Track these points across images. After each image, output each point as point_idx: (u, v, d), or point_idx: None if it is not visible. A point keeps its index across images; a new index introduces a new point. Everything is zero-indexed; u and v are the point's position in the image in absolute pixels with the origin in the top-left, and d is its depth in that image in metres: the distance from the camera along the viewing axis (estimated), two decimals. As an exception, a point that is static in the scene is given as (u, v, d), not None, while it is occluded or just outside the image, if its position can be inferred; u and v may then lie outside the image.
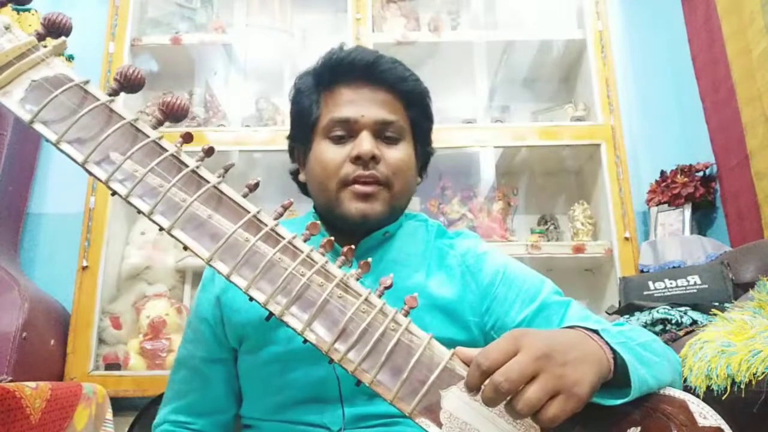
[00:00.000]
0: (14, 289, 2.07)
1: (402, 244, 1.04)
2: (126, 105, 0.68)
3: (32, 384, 1.56)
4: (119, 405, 2.13)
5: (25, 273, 2.39)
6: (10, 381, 1.79)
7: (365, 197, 0.96)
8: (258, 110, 2.73)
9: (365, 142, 0.96)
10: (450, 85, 2.75)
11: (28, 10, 2.36)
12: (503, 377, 0.57)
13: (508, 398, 0.59)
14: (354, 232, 1.00)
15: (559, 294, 0.99)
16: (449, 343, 0.66)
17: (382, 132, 1.00)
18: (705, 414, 0.65)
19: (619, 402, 0.66)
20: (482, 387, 0.59)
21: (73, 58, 2.35)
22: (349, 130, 0.99)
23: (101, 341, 2.35)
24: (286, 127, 2.55)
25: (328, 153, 0.99)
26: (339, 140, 0.99)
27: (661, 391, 0.70)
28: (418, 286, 0.97)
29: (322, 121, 1.01)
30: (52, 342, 2.18)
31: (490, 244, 1.09)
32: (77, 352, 2.25)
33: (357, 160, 0.96)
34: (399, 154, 1.01)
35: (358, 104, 0.99)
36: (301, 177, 1.09)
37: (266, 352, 0.94)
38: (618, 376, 0.67)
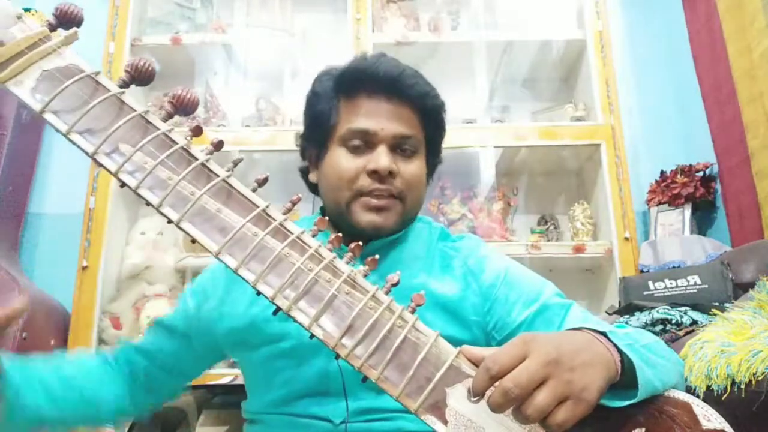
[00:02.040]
0: (14, 289, 2.07)
1: (407, 245, 1.06)
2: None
3: (33, 383, 1.56)
4: (119, 405, 2.13)
5: (25, 273, 2.39)
6: (11, 381, 1.79)
7: (378, 210, 0.98)
8: (258, 110, 2.73)
9: (383, 158, 0.98)
10: (450, 85, 2.72)
11: (29, 10, 2.36)
12: (513, 383, 0.57)
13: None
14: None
15: (561, 296, 1.00)
16: (451, 342, 0.67)
17: (399, 145, 1.01)
18: (709, 416, 0.66)
19: (625, 404, 0.66)
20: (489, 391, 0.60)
21: (73, 58, 2.35)
22: (366, 142, 1.00)
23: (101, 341, 2.34)
24: (286, 127, 2.56)
25: (344, 162, 1.00)
26: (355, 150, 1.00)
27: (666, 393, 0.71)
28: (421, 286, 0.97)
29: (340, 129, 1.02)
30: (52, 342, 2.18)
31: (491, 247, 1.09)
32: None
33: (374, 174, 0.98)
34: (414, 168, 1.02)
35: (377, 117, 1.00)
36: (312, 177, 1.10)
37: (271, 349, 0.95)
38: (624, 378, 0.67)
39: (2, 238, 2.33)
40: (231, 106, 2.79)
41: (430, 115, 1.06)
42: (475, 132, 2.59)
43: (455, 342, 0.67)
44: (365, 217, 0.98)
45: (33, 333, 2.02)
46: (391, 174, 0.98)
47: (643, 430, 0.67)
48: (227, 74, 2.88)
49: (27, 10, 2.36)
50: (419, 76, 1.05)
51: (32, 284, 2.27)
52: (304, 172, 1.12)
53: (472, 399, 0.60)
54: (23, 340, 1.97)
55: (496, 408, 0.58)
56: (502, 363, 0.59)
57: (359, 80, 1.02)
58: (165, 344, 1.05)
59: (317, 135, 1.06)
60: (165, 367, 1.05)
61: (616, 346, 0.68)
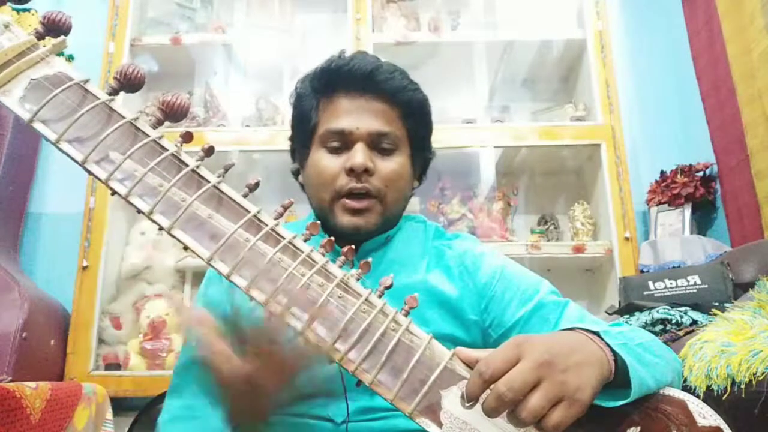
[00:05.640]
0: (14, 289, 2.07)
1: (401, 245, 1.05)
2: (125, 105, 0.67)
3: (32, 384, 1.56)
4: (119, 405, 2.13)
5: (25, 273, 2.39)
6: (10, 381, 1.79)
7: (357, 212, 0.97)
8: (258, 110, 2.73)
9: (359, 155, 0.97)
10: (450, 85, 2.74)
11: (28, 10, 2.36)
12: (506, 387, 0.57)
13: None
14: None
15: (557, 294, 1.00)
16: (449, 340, 0.67)
17: (377, 143, 1.00)
18: (704, 414, 0.66)
19: (619, 403, 0.66)
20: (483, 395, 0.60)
21: (73, 58, 2.35)
22: (344, 141, 1.00)
23: (101, 341, 2.35)
24: (285, 128, 2.56)
25: (323, 162, 1.00)
26: (335, 150, 1.00)
27: (661, 391, 0.71)
28: (420, 283, 0.97)
29: (319, 129, 1.02)
30: (52, 342, 2.18)
31: (488, 246, 1.09)
32: (77, 352, 2.25)
33: (351, 172, 0.97)
34: (392, 165, 1.01)
35: (353, 115, 1.00)
36: (300, 179, 1.10)
37: None
38: (618, 377, 0.67)
39: (2, 238, 2.33)
40: (231, 106, 2.78)
41: (409, 110, 1.04)
42: (475, 132, 2.58)
43: (455, 341, 0.67)
44: (345, 220, 0.98)
45: (33, 333, 2.02)
46: (368, 171, 0.97)
47: (639, 428, 0.67)
48: (227, 74, 2.88)
49: (26, 10, 2.36)
50: (397, 71, 1.04)
51: (32, 284, 2.27)
52: (296, 174, 1.13)
53: (466, 404, 0.61)
54: (23, 340, 1.97)
55: (491, 412, 0.59)
56: (495, 367, 0.59)
57: (335, 79, 1.02)
58: None
59: (301, 135, 1.06)
60: None
61: (609, 345, 0.68)
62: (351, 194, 0.97)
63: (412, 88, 1.05)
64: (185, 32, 2.75)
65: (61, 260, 2.46)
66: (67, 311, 2.32)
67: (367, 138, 0.99)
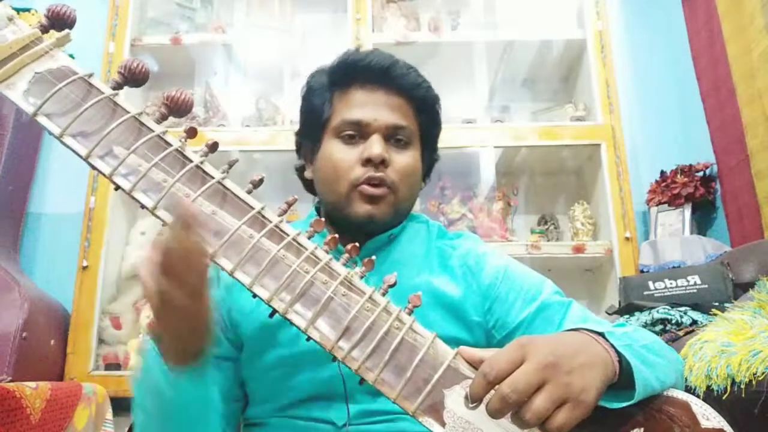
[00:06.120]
0: (14, 289, 2.07)
1: (405, 245, 1.05)
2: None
3: (32, 384, 1.56)
4: (119, 405, 2.13)
5: (25, 273, 2.39)
6: (10, 381, 1.79)
7: (373, 199, 0.98)
8: (258, 110, 2.72)
9: (376, 146, 0.98)
10: (450, 85, 2.74)
11: (28, 9, 2.35)
12: (510, 388, 0.57)
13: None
14: (358, 232, 1.00)
15: (560, 294, 1.00)
16: (452, 342, 0.66)
17: (392, 136, 1.01)
18: (708, 415, 0.66)
19: (623, 404, 0.66)
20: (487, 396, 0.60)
21: (73, 58, 2.34)
22: (360, 132, 1.00)
23: (101, 341, 2.35)
24: (286, 127, 2.57)
25: (339, 153, 1.00)
26: (350, 140, 1.01)
27: (665, 393, 0.71)
28: (423, 284, 0.97)
29: (334, 120, 1.02)
30: (52, 342, 2.18)
31: (490, 245, 1.09)
32: (77, 352, 2.24)
33: (367, 162, 0.97)
34: (407, 159, 1.02)
35: (371, 107, 1.01)
36: (307, 174, 1.10)
37: (271, 356, 0.94)
38: (623, 378, 0.67)
39: (2, 238, 2.33)
40: (231, 106, 2.78)
41: (423, 106, 1.06)
42: (475, 132, 2.58)
43: (457, 343, 0.67)
44: (361, 208, 0.98)
45: (33, 333, 2.02)
46: (384, 163, 0.98)
47: (642, 430, 0.67)
48: (227, 74, 2.87)
49: (26, 9, 2.36)
50: (412, 68, 1.06)
51: (32, 284, 2.27)
52: (300, 170, 1.12)
53: (470, 405, 0.60)
54: (23, 340, 1.97)
55: (495, 413, 0.58)
56: (499, 368, 0.59)
57: (352, 72, 1.03)
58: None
59: (312, 129, 1.06)
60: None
61: (613, 346, 0.68)
62: (368, 182, 0.97)
63: (426, 85, 1.07)
64: (185, 32, 2.75)
65: (61, 260, 2.46)
66: (67, 311, 2.31)
67: (384, 130, 1.00)
